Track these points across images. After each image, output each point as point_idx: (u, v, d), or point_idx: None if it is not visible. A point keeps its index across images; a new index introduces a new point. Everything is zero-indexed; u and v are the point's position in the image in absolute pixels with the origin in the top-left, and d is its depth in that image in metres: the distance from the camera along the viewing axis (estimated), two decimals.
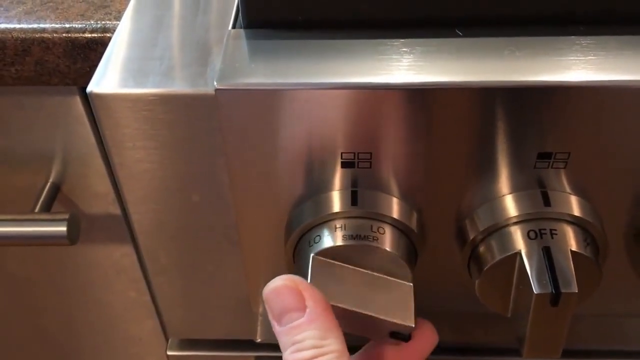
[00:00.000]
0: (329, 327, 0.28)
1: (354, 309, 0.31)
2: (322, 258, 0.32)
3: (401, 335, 0.32)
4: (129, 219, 0.36)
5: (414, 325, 0.31)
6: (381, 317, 0.31)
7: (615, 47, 0.29)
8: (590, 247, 0.32)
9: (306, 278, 0.31)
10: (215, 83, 0.29)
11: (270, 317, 0.30)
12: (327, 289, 0.30)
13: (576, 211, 0.32)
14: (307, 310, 0.29)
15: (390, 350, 0.34)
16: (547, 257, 0.30)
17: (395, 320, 0.31)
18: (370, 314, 0.31)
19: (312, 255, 0.32)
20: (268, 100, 0.29)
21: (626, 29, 0.30)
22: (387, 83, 0.28)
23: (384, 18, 0.31)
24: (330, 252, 0.32)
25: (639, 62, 0.29)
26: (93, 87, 0.31)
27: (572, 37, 0.30)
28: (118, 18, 0.40)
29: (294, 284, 0.29)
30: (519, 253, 0.31)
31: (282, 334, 0.29)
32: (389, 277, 0.32)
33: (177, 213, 0.35)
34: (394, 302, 0.32)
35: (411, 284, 0.32)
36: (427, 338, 0.34)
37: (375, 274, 0.32)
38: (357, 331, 0.32)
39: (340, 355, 0.28)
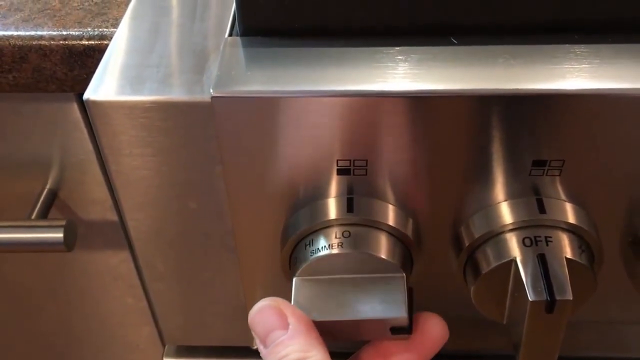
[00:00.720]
0: (312, 342, 0.29)
1: (342, 318, 0.31)
2: (304, 278, 0.32)
3: (402, 329, 0.31)
4: (126, 225, 0.36)
5: (406, 316, 0.31)
6: (370, 317, 0.31)
7: (610, 56, 0.30)
8: (585, 254, 0.32)
9: None
10: (211, 90, 0.29)
11: (258, 343, 0.30)
12: (312, 307, 0.30)
13: (571, 218, 0.32)
14: (290, 327, 0.29)
15: (395, 345, 0.33)
16: (542, 264, 0.30)
17: (386, 316, 0.31)
18: (359, 318, 0.31)
19: (294, 279, 0.32)
20: (264, 108, 0.29)
21: (621, 37, 0.30)
22: (382, 91, 0.28)
23: (380, 26, 0.31)
24: (315, 267, 0.32)
25: (634, 70, 0.29)
26: (90, 94, 0.31)
27: (567, 45, 0.30)
28: (115, 25, 0.40)
29: (275, 304, 0.30)
30: (514, 260, 0.31)
31: (268, 354, 0.29)
32: (378, 275, 0.32)
33: (174, 220, 0.35)
34: (386, 298, 0.31)
35: (403, 275, 0.32)
36: (432, 331, 0.33)
37: (364, 275, 0.32)
38: (358, 337, 0.32)
39: None
